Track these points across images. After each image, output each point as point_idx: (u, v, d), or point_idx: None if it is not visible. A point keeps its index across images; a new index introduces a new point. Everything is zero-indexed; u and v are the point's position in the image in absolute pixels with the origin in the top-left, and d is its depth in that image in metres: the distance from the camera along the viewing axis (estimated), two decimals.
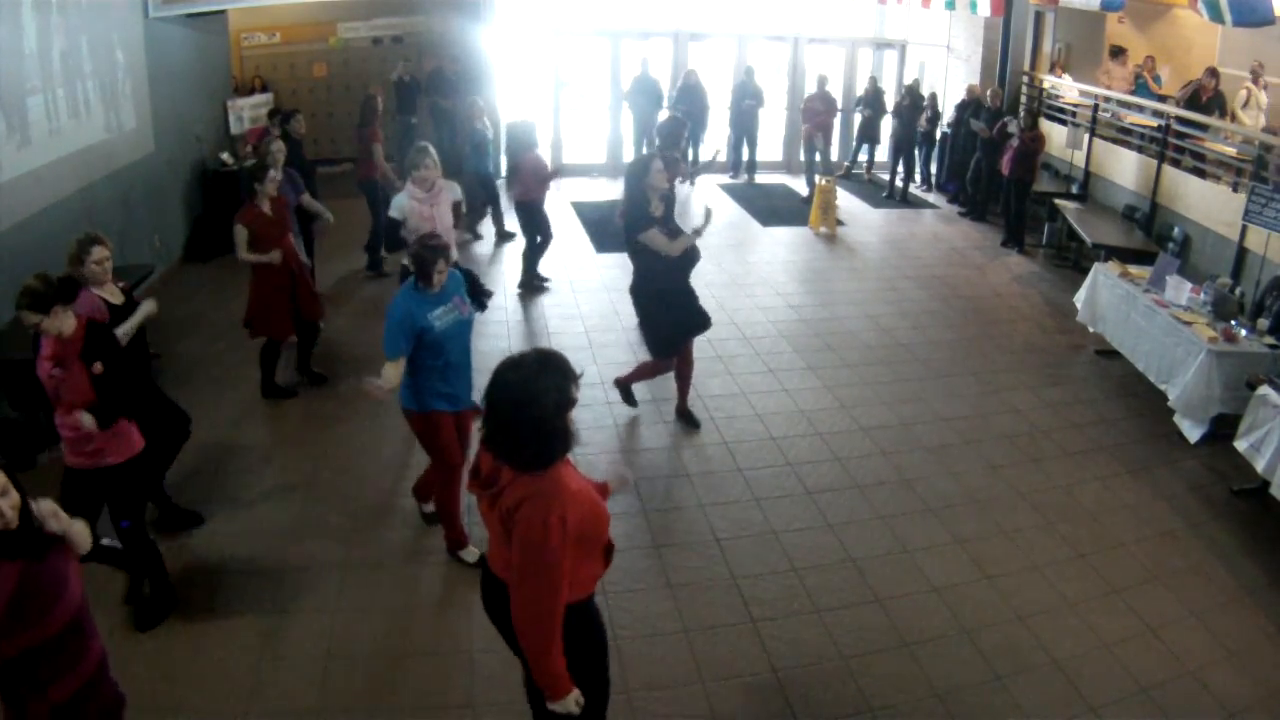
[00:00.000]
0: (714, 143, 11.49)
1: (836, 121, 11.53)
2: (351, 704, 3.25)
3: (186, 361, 6.08)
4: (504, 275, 7.94)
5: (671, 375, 5.40)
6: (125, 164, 7.09)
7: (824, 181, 9.85)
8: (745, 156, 11.82)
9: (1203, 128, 8.24)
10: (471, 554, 3.97)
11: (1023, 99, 10.82)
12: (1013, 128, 9.09)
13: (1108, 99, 9.52)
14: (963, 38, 11.90)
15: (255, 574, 3.93)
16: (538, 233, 7.61)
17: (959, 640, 3.67)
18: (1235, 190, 7.33)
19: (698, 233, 4.96)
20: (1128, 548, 4.37)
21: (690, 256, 4.99)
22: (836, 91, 12.83)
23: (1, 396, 4.80)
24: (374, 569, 4.00)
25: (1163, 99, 9.51)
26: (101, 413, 3.22)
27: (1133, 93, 9.95)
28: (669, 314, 5.03)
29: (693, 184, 11.23)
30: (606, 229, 9.15)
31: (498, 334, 6.75)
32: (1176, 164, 8.17)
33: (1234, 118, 9.08)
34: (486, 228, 9.24)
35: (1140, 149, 8.82)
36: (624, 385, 5.44)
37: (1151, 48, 10.89)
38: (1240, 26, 7.52)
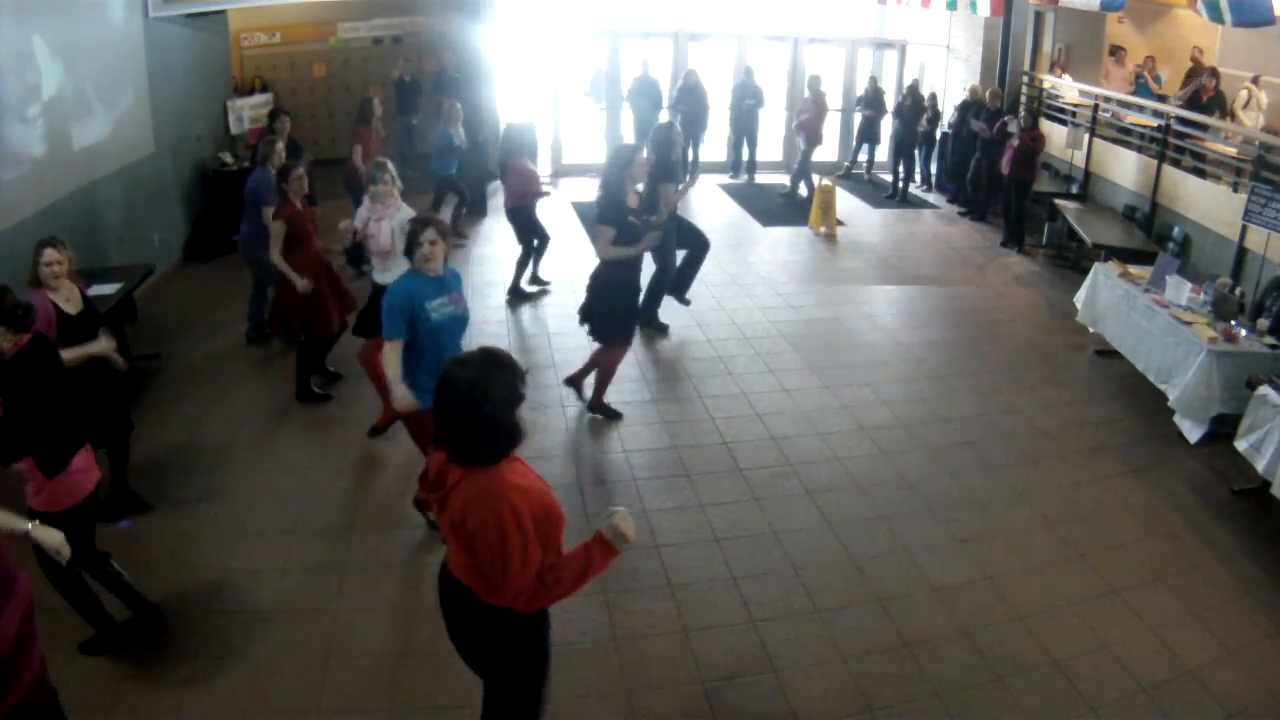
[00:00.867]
0: (714, 140, 11.51)
1: (828, 123, 11.40)
2: (351, 704, 3.25)
3: (186, 361, 6.08)
4: (500, 275, 7.92)
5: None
6: (125, 164, 7.09)
7: (822, 182, 9.85)
8: (745, 156, 11.82)
9: (1203, 128, 8.24)
10: None
11: (1023, 99, 10.81)
12: (1013, 127, 9.09)
13: (1108, 99, 9.52)
14: (963, 38, 11.90)
15: (255, 574, 3.92)
16: (533, 237, 7.53)
17: (959, 640, 3.67)
18: (1235, 190, 7.33)
19: (658, 227, 5.16)
20: (1128, 548, 4.36)
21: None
22: (836, 91, 12.87)
23: None
24: (374, 569, 4.00)
25: (1163, 99, 9.50)
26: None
27: (1133, 93, 9.95)
28: (632, 301, 5.23)
29: (692, 184, 11.23)
30: None
31: (498, 334, 6.75)
32: (1176, 164, 8.17)
33: (1234, 118, 9.08)
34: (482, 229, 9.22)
35: (1140, 149, 8.82)
36: (599, 405, 5.40)
37: (1151, 48, 10.89)
38: (1240, 26, 7.51)
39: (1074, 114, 10.01)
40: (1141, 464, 5.17)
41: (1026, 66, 11.08)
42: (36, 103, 5.77)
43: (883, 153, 12.09)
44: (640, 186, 5.33)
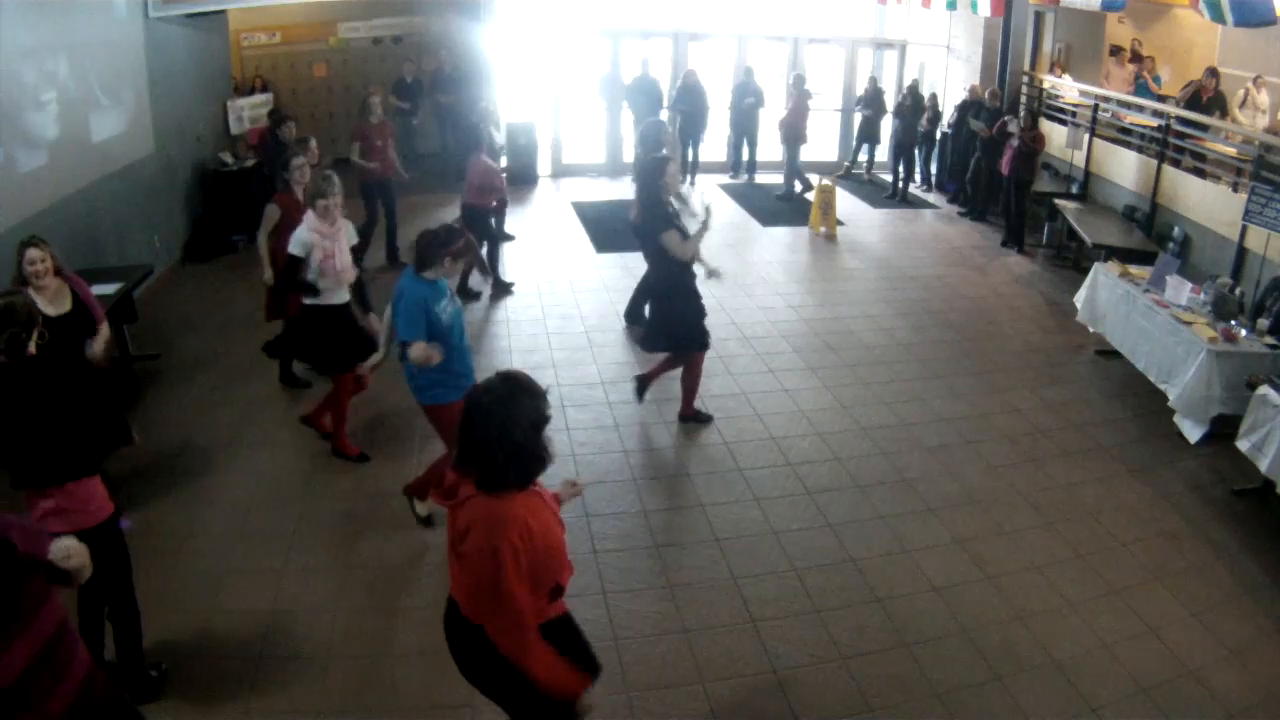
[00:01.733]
0: (715, 139, 11.50)
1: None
2: (351, 704, 3.25)
3: (186, 361, 6.08)
4: (510, 275, 7.91)
5: (667, 377, 5.40)
6: (125, 164, 7.08)
7: (822, 182, 9.85)
8: (745, 156, 11.82)
9: (1203, 128, 8.24)
10: None
11: (1023, 99, 10.81)
12: (1013, 126, 9.09)
13: (1108, 99, 9.52)
14: (963, 38, 11.90)
15: (254, 574, 3.92)
16: (483, 238, 7.23)
17: (959, 640, 3.67)
18: (1235, 190, 7.33)
19: (705, 228, 5.04)
20: (1128, 548, 4.37)
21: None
22: (836, 92, 12.87)
23: None
24: (374, 569, 4.00)
25: (1163, 99, 9.50)
26: None
27: (1133, 93, 9.95)
28: (696, 303, 5.13)
29: (692, 184, 11.25)
30: (606, 229, 9.16)
31: (498, 334, 6.75)
32: (1176, 164, 8.17)
33: (1232, 118, 9.08)
34: None
35: (1140, 149, 8.82)
36: (690, 414, 5.36)
37: (1151, 48, 10.89)
38: (1241, 26, 7.51)
39: (1074, 114, 10.01)
40: (1141, 464, 5.18)
41: (1026, 66, 11.09)
42: (36, 103, 5.77)
43: (883, 153, 12.08)
44: (673, 194, 5.26)
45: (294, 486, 4.64)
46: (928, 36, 12.56)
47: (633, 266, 7.33)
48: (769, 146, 12.03)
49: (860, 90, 11.80)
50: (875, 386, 5.97)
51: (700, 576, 4.01)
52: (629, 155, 11.19)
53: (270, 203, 5.35)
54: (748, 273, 8.26)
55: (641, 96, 11.09)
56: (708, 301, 5.32)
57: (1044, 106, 10.52)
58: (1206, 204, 7.52)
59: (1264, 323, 5.62)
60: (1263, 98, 9.13)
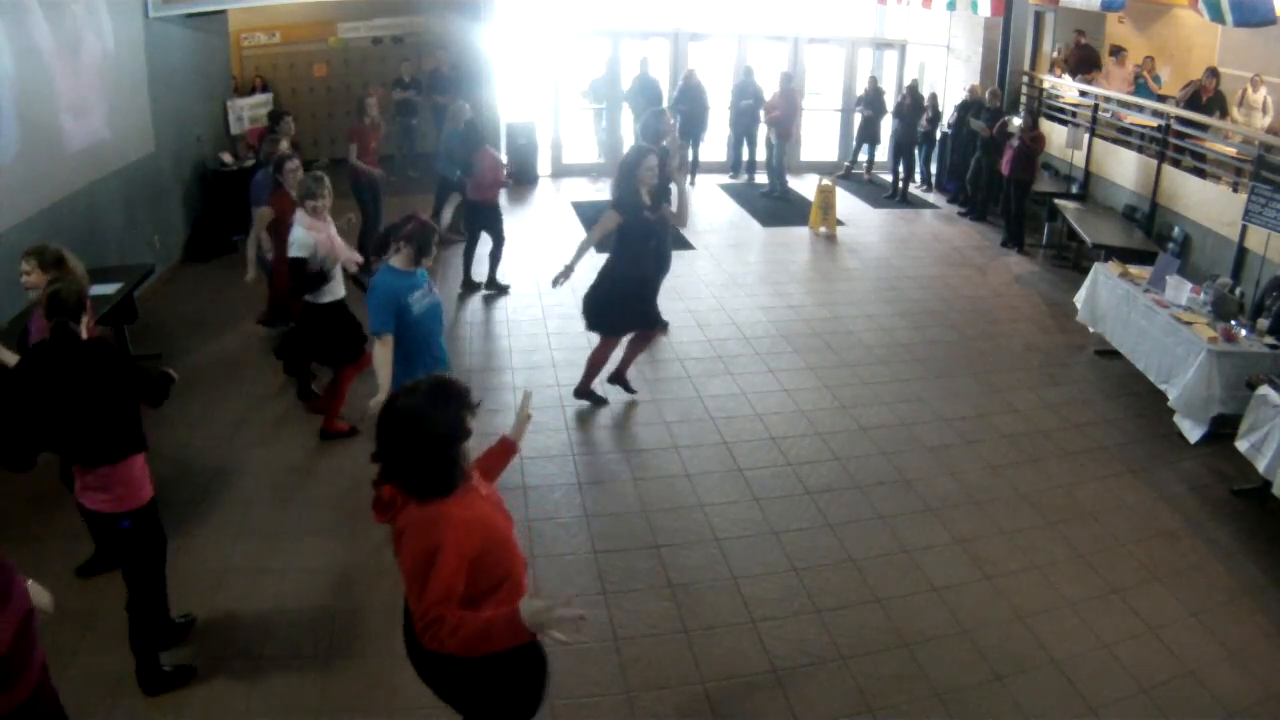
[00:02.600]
0: (714, 139, 11.48)
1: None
2: (351, 704, 3.25)
3: (186, 361, 6.07)
4: (511, 275, 7.91)
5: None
6: (125, 164, 7.09)
7: (822, 182, 9.85)
8: (745, 156, 11.82)
9: (1203, 128, 8.24)
10: None
11: (1023, 99, 10.81)
12: (1014, 125, 9.08)
13: (1108, 99, 9.52)
14: (963, 38, 11.90)
15: (254, 574, 3.92)
16: (488, 234, 7.40)
17: (959, 640, 3.67)
18: (1235, 190, 7.33)
19: (680, 212, 5.20)
20: (1128, 548, 4.37)
21: (659, 260, 5.28)
22: (836, 91, 12.88)
23: None
24: (374, 569, 4.00)
25: (1163, 99, 9.51)
26: None
27: (1133, 93, 9.95)
28: (623, 302, 5.21)
29: (692, 184, 11.24)
30: None
31: (498, 334, 6.75)
32: (1176, 164, 8.17)
33: (1231, 118, 9.08)
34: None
35: (1140, 149, 8.82)
36: (585, 390, 5.50)
37: (1151, 48, 10.89)
38: (1241, 26, 7.51)
39: (1074, 114, 10.01)
40: (1141, 464, 5.18)
41: (1026, 66, 11.09)
42: (36, 103, 5.76)
43: (883, 153, 12.09)
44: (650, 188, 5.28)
45: (294, 485, 4.65)
46: (928, 36, 12.57)
47: None
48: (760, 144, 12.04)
49: (860, 90, 11.81)
50: (875, 386, 5.97)
51: (700, 576, 4.01)
52: None
53: (263, 204, 5.40)
54: (748, 273, 8.26)
55: (641, 97, 11.10)
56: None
57: (1044, 106, 10.52)
58: (1206, 204, 7.52)
59: (1264, 323, 5.62)
60: (1258, 96, 9.13)
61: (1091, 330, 6.77)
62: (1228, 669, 3.57)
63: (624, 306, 5.24)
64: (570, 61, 11.83)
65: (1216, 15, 7.20)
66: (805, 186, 11.20)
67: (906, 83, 11.92)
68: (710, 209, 10.48)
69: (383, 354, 3.74)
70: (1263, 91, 9.22)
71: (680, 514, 4.49)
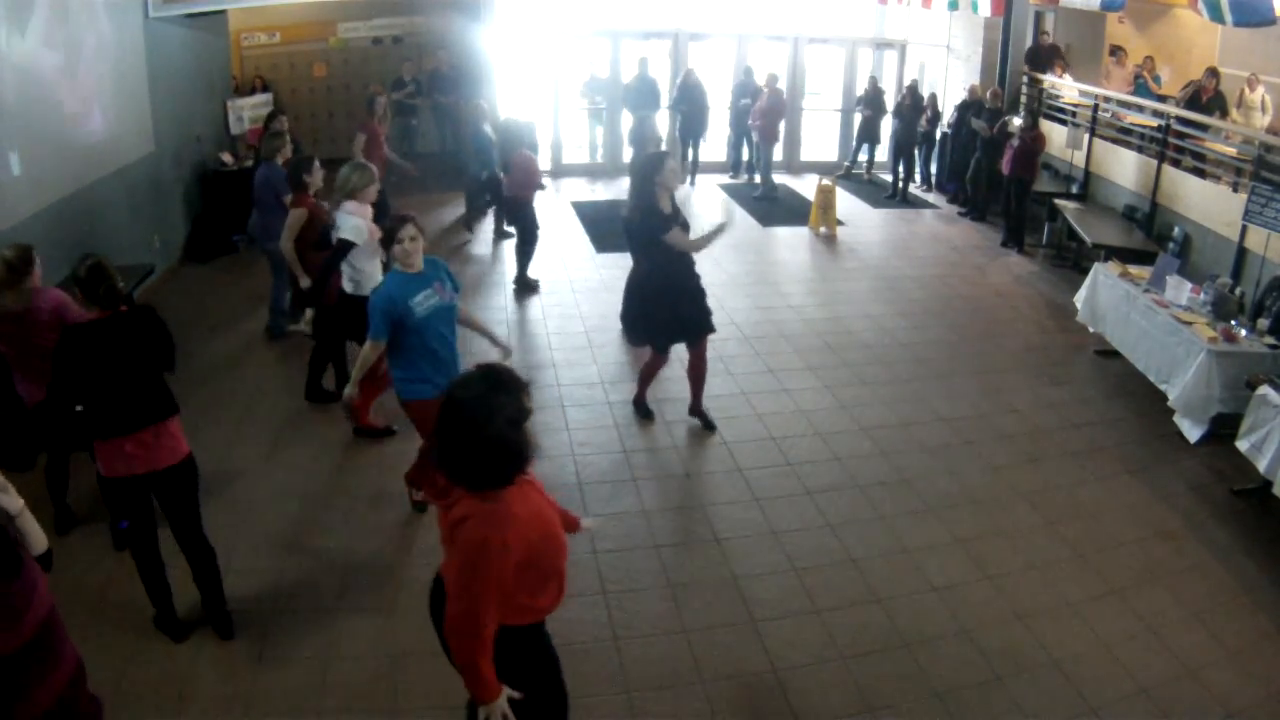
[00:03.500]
0: (715, 140, 11.48)
1: (779, 123, 11.23)
2: (352, 704, 3.25)
3: (187, 361, 6.04)
4: (504, 273, 7.93)
5: (672, 376, 5.40)
6: (125, 164, 7.08)
7: (822, 182, 9.85)
8: (745, 156, 11.82)
9: (1203, 128, 8.24)
10: None
11: (1023, 99, 10.81)
12: (1015, 125, 9.08)
13: (1108, 99, 9.52)
14: (963, 38, 11.90)
15: (255, 574, 3.93)
16: (517, 230, 7.65)
17: (959, 640, 3.67)
18: (1235, 190, 7.33)
19: (721, 229, 4.93)
20: (1128, 548, 4.37)
21: (686, 263, 4.99)
22: (836, 92, 12.87)
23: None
24: (375, 569, 4.00)
25: (1162, 99, 9.51)
26: None
27: (1133, 93, 9.95)
28: (676, 310, 5.00)
29: (693, 184, 11.24)
30: (606, 229, 9.15)
31: (498, 334, 6.74)
32: (1176, 164, 8.17)
33: (1231, 118, 9.09)
34: (482, 227, 9.24)
35: (1140, 149, 8.82)
36: (640, 401, 5.42)
37: (1151, 48, 10.89)
38: (1241, 26, 7.52)
39: (1074, 114, 10.01)
40: (1141, 464, 5.18)
41: (1026, 66, 11.08)
42: (36, 103, 5.76)
43: (883, 153, 12.09)
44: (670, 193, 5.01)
45: (295, 485, 4.64)
46: (928, 36, 12.57)
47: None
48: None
49: (860, 90, 11.81)
50: (875, 386, 5.97)
51: (700, 576, 4.01)
52: (629, 155, 11.21)
53: (291, 208, 5.38)
54: (748, 273, 8.26)
55: (640, 97, 11.10)
56: (708, 301, 5.28)
57: (1044, 106, 10.52)
58: (1206, 204, 7.52)
59: (1264, 323, 5.62)
60: (1255, 96, 9.14)
61: (1091, 330, 6.77)
62: (1228, 669, 3.57)
63: (685, 316, 5.01)
64: (570, 61, 11.82)
65: (1216, 15, 7.20)
66: (805, 186, 11.21)
67: (906, 83, 11.93)
68: (710, 209, 10.48)
69: (368, 354, 3.83)
70: (1260, 91, 9.23)
71: (680, 514, 4.49)
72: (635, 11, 12.00)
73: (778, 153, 12.38)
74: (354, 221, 4.75)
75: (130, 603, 3.59)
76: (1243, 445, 4.78)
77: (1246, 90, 9.15)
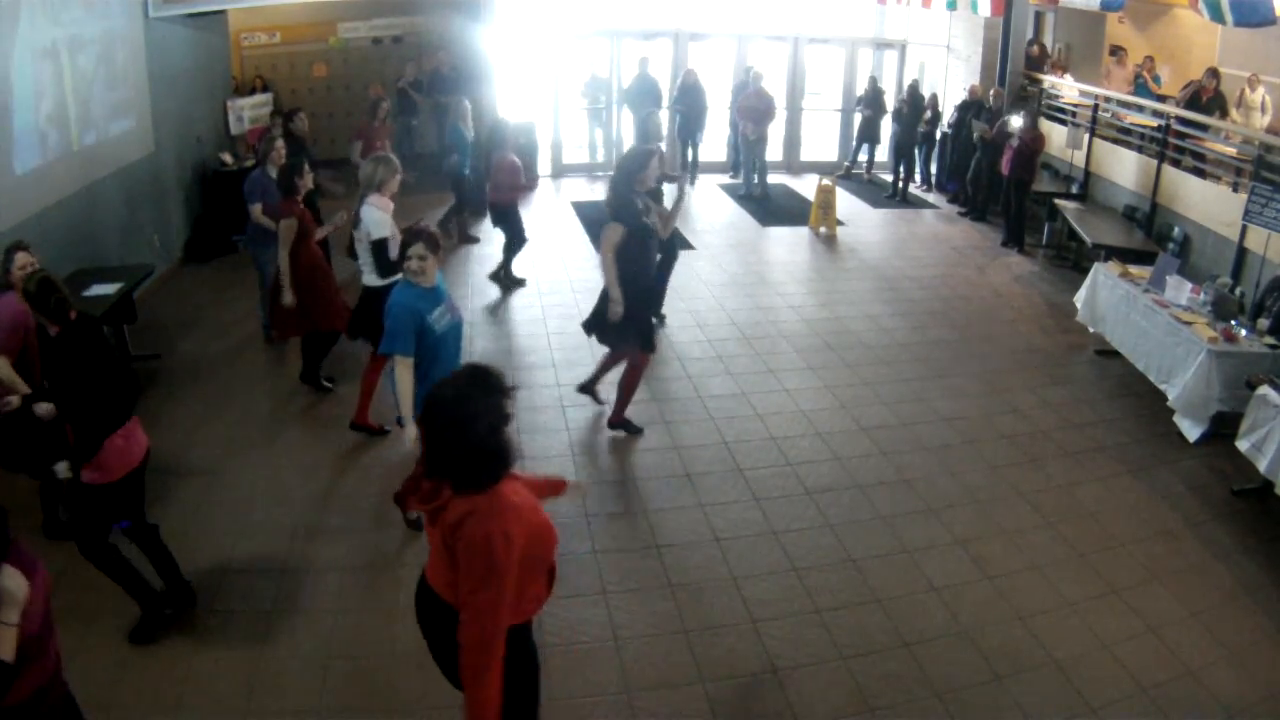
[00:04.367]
0: (715, 140, 11.46)
1: (777, 125, 11.23)
2: (351, 704, 3.25)
3: (186, 362, 6.08)
4: (480, 276, 7.87)
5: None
6: (125, 164, 7.09)
7: (822, 182, 9.85)
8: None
9: (1203, 128, 8.24)
10: None
11: (1024, 95, 10.81)
12: (1015, 124, 9.07)
13: (1108, 99, 9.52)
14: (963, 38, 11.90)
15: (255, 574, 3.93)
16: (504, 232, 7.54)
17: (959, 640, 3.67)
18: (1235, 190, 7.33)
19: (671, 215, 5.01)
20: (1128, 548, 4.36)
21: (668, 252, 5.00)
22: (836, 92, 12.87)
23: None
24: (373, 569, 4.00)
25: (1162, 99, 9.51)
26: None
27: (1133, 93, 9.95)
28: (644, 308, 5.01)
29: (692, 185, 11.23)
30: None
31: (499, 334, 6.75)
32: (1176, 164, 8.17)
33: (1231, 118, 9.09)
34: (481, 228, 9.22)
35: (1140, 149, 8.82)
36: (619, 422, 5.21)
37: (1151, 48, 10.90)
38: (1241, 26, 7.52)
39: (1074, 114, 10.02)
40: (1141, 463, 5.17)
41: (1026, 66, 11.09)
42: (36, 103, 5.77)
43: (883, 153, 12.09)
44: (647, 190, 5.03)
45: (295, 486, 4.64)
46: (928, 36, 12.56)
47: None
48: (769, 146, 12.03)
49: (860, 90, 11.81)
50: (875, 386, 5.97)
51: (700, 576, 4.01)
52: None
53: (283, 217, 5.20)
54: (748, 273, 8.26)
55: (640, 97, 11.10)
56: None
57: (1044, 106, 10.52)
58: (1206, 204, 7.52)
59: (1264, 323, 5.62)
60: (1255, 96, 9.14)
61: (1091, 330, 6.77)
62: (1228, 669, 3.57)
63: (622, 321, 4.89)
64: (570, 61, 11.82)
65: (1216, 15, 7.21)
66: (805, 186, 11.21)
67: (907, 83, 11.93)
68: (710, 209, 10.48)
69: (405, 378, 3.56)
70: (1260, 91, 9.22)
71: (680, 514, 4.49)
72: (635, 11, 12.00)
73: (777, 153, 12.41)
74: (377, 215, 4.78)
75: (124, 611, 3.56)
76: (1243, 445, 4.79)
77: (1246, 90, 9.15)
